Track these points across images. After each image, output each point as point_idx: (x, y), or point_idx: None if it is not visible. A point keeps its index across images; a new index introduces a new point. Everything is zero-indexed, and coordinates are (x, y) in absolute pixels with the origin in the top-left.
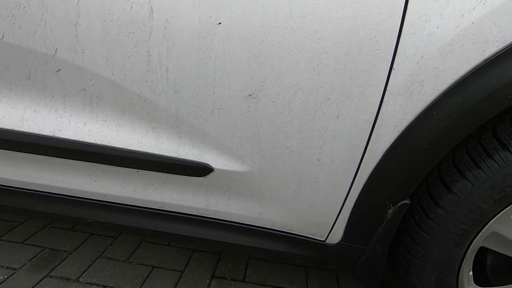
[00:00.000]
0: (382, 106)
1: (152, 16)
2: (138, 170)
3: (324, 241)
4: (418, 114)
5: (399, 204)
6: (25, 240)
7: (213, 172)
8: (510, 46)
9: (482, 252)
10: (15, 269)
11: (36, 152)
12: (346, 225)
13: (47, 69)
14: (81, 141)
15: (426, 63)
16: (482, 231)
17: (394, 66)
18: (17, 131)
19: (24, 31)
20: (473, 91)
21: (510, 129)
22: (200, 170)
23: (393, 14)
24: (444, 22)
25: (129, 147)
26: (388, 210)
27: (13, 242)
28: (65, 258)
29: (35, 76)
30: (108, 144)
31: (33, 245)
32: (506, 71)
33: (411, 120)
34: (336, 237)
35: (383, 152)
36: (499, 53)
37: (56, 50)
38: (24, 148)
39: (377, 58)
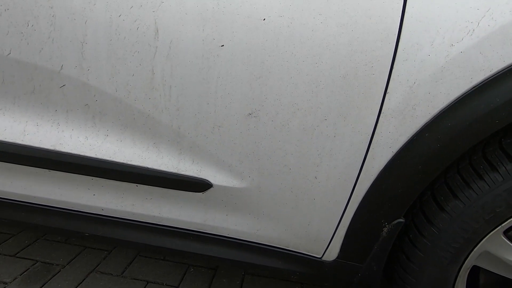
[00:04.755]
0: (377, 127)
1: (157, 37)
2: (137, 184)
3: (321, 258)
4: (411, 136)
5: (394, 222)
6: (17, 253)
7: (212, 188)
8: (496, 75)
9: (475, 270)
10: (5, 283)
11: (37, 165)
12: (342, 243)
13: (52, 84)
14: (82, 155)
15: (418, 88)
16: (475, 249)
17: (388, 90)
18: (19, 144)
19: (31, 47)
20: (463, 115)
21: (498, 151)
22: (199, 185)
23: (387, 41)
24: (435, 51)
25: (129, 162)
26: (384, 228)
27: (4, 255)
28: (58, 272)
29: (40, 91)
30: (108, 158)
31: (25, 258)
32: (493, 98)
33: (405, 142)
34: (332, 254)
35: (378, 171)
36: (486, 81)
37: (61, 67)
38: (25, 161)
39: (372, 82)
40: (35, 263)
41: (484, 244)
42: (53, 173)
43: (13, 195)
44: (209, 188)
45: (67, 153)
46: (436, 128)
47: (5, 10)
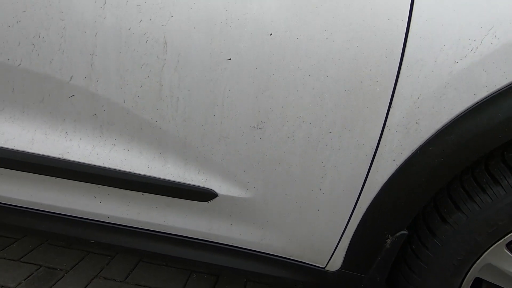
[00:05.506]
0: (381, 141)
1: (166, 50)
2: (143, 193)
3: (324, 267)
4: (415, 149)
5: (397, 234)
6: (21, 258)
7: (217, 198)
8: (499, 91)
9: (478, 282)
10: None
11: (44, 173)
12: (346, 253)
13: (61, 94)
14: (89, 164)
15: (422, 103)
16: (477, 262)
17: (393, 104)
18: (27, 152)
19: (41, 58)
20: (466, 130)
21: (501, 164)
22: (204, 195)
23: (391, 57)
24: (439, 67)
25: (136, 171)
26: (387, 240)
27: (9, 259)
28: (62, 277)
29: (49, 100)
30: (115, 167)
31: (29, 263)
32: (495, 113)
33: (409, 155)
34: (335, 264)
35: (382, 184)
36: (489, 97)
37: (71, 77)
38: (33, 169)
39: (377, 96)
40: (39, 268)
41: (487, 257)
42: (60, 181)
43: (21, 201)
44: (214, 197)
45: (74, 161)
46: (440, 142)
47: (17, 22)
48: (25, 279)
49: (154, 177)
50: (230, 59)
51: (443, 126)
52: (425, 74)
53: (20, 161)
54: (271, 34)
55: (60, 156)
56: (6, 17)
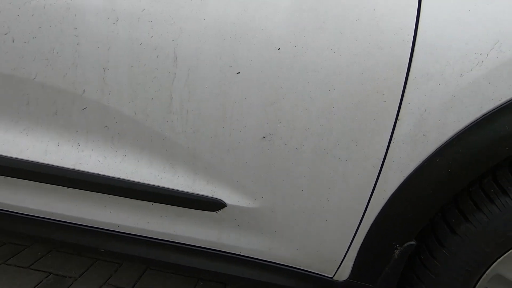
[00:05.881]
0: (389, 152)
1: (176, 64)
2: (153, 203)
3: (332, 277)
4: (422, 161)
5: (405, 245)
6: (31, 265)
7: (225, 208)
8: (506, 104)
9: None
10: None
11: (57, 183)
12: (354, 263)
13: (74, 107)
14: (100, 175)
15: (429, 116)
16: (487, 272)
17: (399, 117)
18: (40, 163)
19: (55, 72)
20: (473, 142)
21: (509, 175)
22: (213, 205)
23: (398, 71)
24: (445, 81)
25: (146, 181)
26: (395, 250)
27: (18, 266)
28: (71, 285)
29: (62, 112)
30: (126, 178)
31: (38, 270)
32: (502, 126)
33: (416, 167)
34: (344, 274)
35: (390, 195)
36: (495, 110)
37: (84, 91)
38: (46, 179)
39: (384, 109)
40: (48, 275)
41: (496, 267)
42: (72, 191)
43: (33, 211)
44: (223, 207)
45: (86, 172)
46: (447, 154)
47: (33, 38)
48: (34, 287)
49: (163, 187)
50: (239, 73)
51: (450, 138)
52: (432, 87)
53: (33, 171)
54: (279, 49)
55: (72, 167)
56: (22, 33)
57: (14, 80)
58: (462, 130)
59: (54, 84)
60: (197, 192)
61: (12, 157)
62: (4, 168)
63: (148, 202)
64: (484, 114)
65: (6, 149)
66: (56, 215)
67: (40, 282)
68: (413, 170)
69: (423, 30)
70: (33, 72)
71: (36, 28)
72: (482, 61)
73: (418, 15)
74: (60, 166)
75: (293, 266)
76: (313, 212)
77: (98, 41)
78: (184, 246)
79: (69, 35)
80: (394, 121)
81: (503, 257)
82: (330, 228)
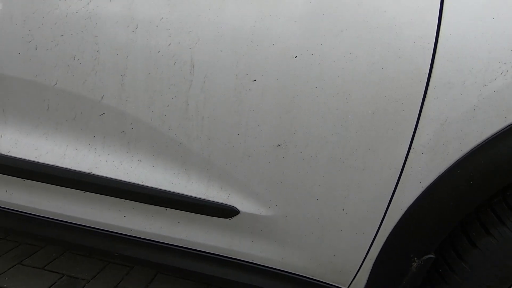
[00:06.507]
0: (407, 162)
1: (193, 72)
2: (166, 208)
3: None
4: (442, 172)
5: (424, 258)
6: (45, 266)
7: (239, 215)
8: None
9: None
10: None
11: (74, 187)
12: (369, 275)
13: (92, 112)
14: (116, 179)
15: (450, 126)
16: None
17: (419, 126)
18: (58, 166)
19: (75, 79)
20: (496, 154)
21: None
22: (226, 212)
23: (417, 80)
24: (467, 90)
25: (160, 187)
26: (413, 263)
27: (33, 267)
28: (83, 287)
29: (80, 118)
30: (141, 183)
31: (52, 272)
32: None
33: (435, 178)
34: (358, 286)
35: (408, 206)
36: None
37: (102, 97)
38: (63, 183)
39: (402, 118)
40: (62, 277)
41: None
42: (88, 194)
43: (49, 213)
44: (236, 214)
45: (102, 176)
46: (468, 165)
47: (55, 46)
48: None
49: (177, 193)
50: (255, 80)
51: (472, 149)
52: (453, 96)
53: (51, 175)
54: (296, 57)
55: (88, 171)
56: (45, 41)
57: (36, 86)
58: (485, 141)
59: (74, 90)
60: (211, 199)
61: (32, 161)
62: (24, 171)
63: (162, 207)
64: (509, 125)
65: (26, 152)
66: (72, 218)
67: (54, 283)
68: (433, 181)
69: (444, 38)
70: (54, 79)
71: (58, 36)
72: (507, 71)
73: (439, 24)
74: (77, 170)
75: (306, 275)
76: (328, 222)
77: (117, 48)
78: (196, 252)
79: (90, 42)
80: (413, 130)
81: None
82: (345, 238)
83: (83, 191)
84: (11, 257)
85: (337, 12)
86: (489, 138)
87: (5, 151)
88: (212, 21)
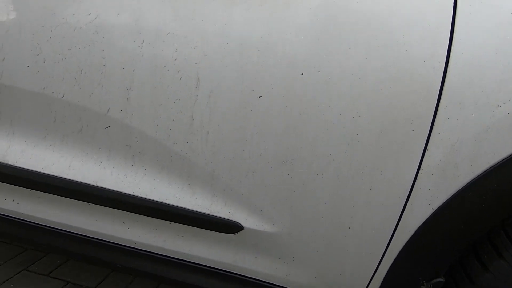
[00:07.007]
0: (416, 183)
1: (199, 87)
2: (170, 222)
3: None
4: (452, 194)
5: (433, 281)
6: (50, 273)
7: (243, 231)
8: None
9: None
10: None
11: (79, 198)
12: None
13: (98, 125)
14: (120, 192)
15: (461, 147)
16: None
17: (428, 147)
18: (64, 178)
19: (82, 92)
20: (510, 177)
21: None
22: (230, 227)
23: (427, 99)
24: (479, 111)
25: (164, 201)
26: (421, 287)
27: (38, 273)
28: None
29: (86, 130)
30: (145, 196)
31: (57, 279)
32: None
33: (446, 200)
34: None
35: (416, 227)
36: None
37: (108, 110)
38: (68, 194)
39: (411, 138)
40: (66, 284)
41: None
42: (92, 206)
43: (54, 223)
44: (240, 230)
45: (107, 189)
46: (480, 188)
47: (62, 59)
48: None
49: (181, 207)
50: (261, 96)
51: (484, 172)
52: (465, 117)
53: (57, 186)
54: (302, 74)
55: (94, 183)
56: (53, 55)
57: (44, 98)
58: (498, 163)
59: (80, 103)
60: (215, 214)
61: (38, 172)
62: (31, 181)
63: (166, 221)
64: None
65: (33, 163)
66: (77, 229)
67: None
68: (443, 203)
69: (455, 57)
70: (61, 91)
71: (66, 50)
72: None
73: (451, 42)
74: (82, 182)
75: None
76: (334, 240)
77: (123, 62)
78: (199, 266)
79: (97, 56)
80: (422, 150)
81: None
82: (351, 258)
83: (88, 203)
84: (17, 263)
85: (345, 29)
86: (502, 160)
87: (12, 162)
88: (218, 37)
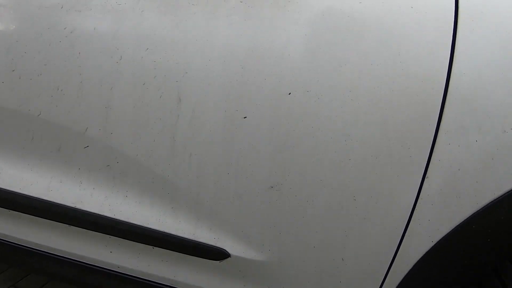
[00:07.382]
0: (414, 213)
1: (180, 106)
2: (153, 247)
3: None
4: (455, 226)
5: None
6: None
7: (229, 258)
8: None
9: None
10: None
11: (58, 220)
12: None
13: (76, 144)
14: (100, 215)
15: (464, 176)
16: None
17: (428, 175)
18: (42, 199)
19: (59, 110)
20: None
21: None
22: (216, 254)
23: (426, 123)
24: (483, 137)
25: (146, 225)
26: None
27: None
28: None
29: (65, 149)
30: (126, 219)
31: None
32: None
33: (447, 232)
34: None
35: (415, 261)
36: None
37: (86, 129)
38: (47, 216)
39: (409, 165)
40: None
41: None
42: (73, 228)
43: (35, 244)
44: (226, 257)
45: (86, 211)
46: (486, 220)
47: (38, 75)
48: None
49: (164, 232)
50: (246, 117)
51: (490, 203)
52: (467, 143)
53: (35, 207)
54: (289, 93)
55: (73, 205)
56: (29, 70)
57: (20, 116)
58: (505, 194)
59: (58, 121)
60: (199, 240)
61: (16, 192)
62: (9, 202)
63: (149, 245)
64: None
65: (11, 183)
66: (58, 251)
67: None
68: (444, 236)
69: (456, 77)
70: (38, 109)
71: (42, 65)
72: None
73: (451, 61)
74: (61, 204)
75: None
76: (325, 272)
77: (101, 79)
78: None
79: (74, 72)
80: (421, 178)
81: None
82: None
83: (68, 225)
84: (5, 279)
85: (336, 46)
86: (510, 190)
87: None
88: (200, 53)
